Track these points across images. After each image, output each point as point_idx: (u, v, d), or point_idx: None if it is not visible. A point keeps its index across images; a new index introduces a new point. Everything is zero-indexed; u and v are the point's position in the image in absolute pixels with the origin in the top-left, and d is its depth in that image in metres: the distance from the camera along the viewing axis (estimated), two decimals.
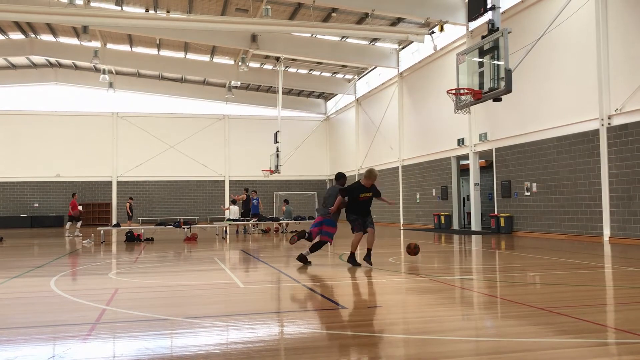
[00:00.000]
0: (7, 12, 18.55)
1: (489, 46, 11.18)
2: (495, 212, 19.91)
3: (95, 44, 28.55)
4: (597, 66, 15.33)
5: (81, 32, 22.61)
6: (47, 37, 29.48)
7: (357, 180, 10.47)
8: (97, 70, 33.47)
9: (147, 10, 23.88)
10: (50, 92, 35.29)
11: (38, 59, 32.37)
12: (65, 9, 18.71)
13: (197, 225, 20.58)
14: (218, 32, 24.59)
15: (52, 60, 32.95)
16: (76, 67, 34.32)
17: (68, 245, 17.30)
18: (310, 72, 33.65)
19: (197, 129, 37.03)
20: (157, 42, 28.73)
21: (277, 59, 29.86)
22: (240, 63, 27.98)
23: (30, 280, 8.96)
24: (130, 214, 29.03)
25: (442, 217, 23.00)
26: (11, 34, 28.80)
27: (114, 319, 5.74)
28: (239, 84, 35.02)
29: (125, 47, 30.35)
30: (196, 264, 11.25)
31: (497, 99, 11.30)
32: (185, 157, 36.62)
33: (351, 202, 10.06)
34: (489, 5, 11.36)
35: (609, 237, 14.94)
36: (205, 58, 31.60)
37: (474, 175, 21.49)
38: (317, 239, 10.70)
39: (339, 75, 34.12)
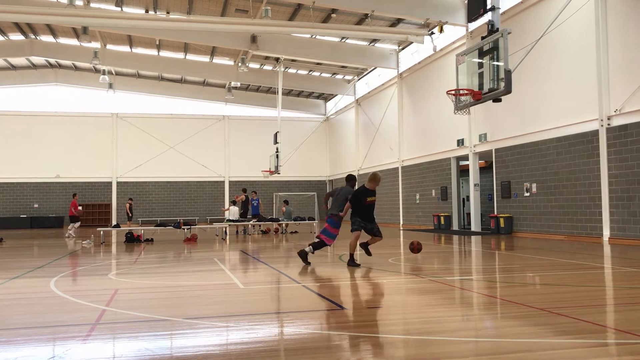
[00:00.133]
0: (7, 13, 18.54)
1: (489, 47, 11.19)
2: (495, 213, 19.91)
3: (95, 44, 28.57)
4: (596, 67, 15.34)
5: (81, 32, 22.63)
6: (47, 38, 29.49)
7: (362, 184, 10.59)
8: (97, 71, 33.51)
9: (146, 11, 23.89)
10: (50, 93, 35.29)
11: (38, 59, 32.38)
12: (65, 9, 18.72)
13: (196, 226, 20.59)
14: (218, 32, 24.61)
15: (52, 61, 32.96)
16: (76, 68, 34.33)
17: (68, 246, 17.28)
18: (310, 72, 33.67)
19: (196, 129, 37.04)
20: (157, 42, 28.75)
21: (277, 59, 29.88)
22: (240, 64, 27.99)
23: (30, 281, 8.96)
24: (130, 214, 29.06)
25: (442, 218, 23.00)
26: (11, 35, 28.81)
27: (113, 320, 5.74)
28: (238, 84, 35.04)
29: (125, 48, 30.37)
30: (196, 265, 11.25)
31: (497, 100, 11.31)
32: (185, 158, 36.63)
33: (357, 206, 10.15)
34: (488, 6, 11.36)
35: (609, 238, 14.95)
36: (205, 59, 31.61)
37: (473, 176, 21.50)
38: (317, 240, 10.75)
39: (339, 76, 34.14)
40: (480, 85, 11.41)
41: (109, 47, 30.07)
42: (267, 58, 30.47)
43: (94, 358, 4.37)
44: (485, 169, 23.33)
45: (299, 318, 5.86)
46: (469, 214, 22.61)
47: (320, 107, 39.69)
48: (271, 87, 34.71)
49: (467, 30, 21.37)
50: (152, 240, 18.65)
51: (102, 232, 18.40)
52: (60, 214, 34.10)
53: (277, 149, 29.40)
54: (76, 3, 19.58)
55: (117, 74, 34.29)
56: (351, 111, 34.69)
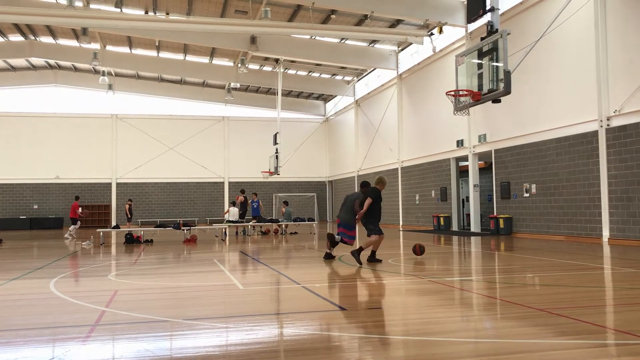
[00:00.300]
0: (7, 14, 18.56)
1: (488, 48, 11.20)
2: (495, 214, 19.91)
3: (95, 45, 28.57)
4: (596, 67, 15.35)
5: (80, 34, 22.64)
6: (47, 39, 29.49)
7: (372, 186, 11.11)
8: (96, 72, 33.52)
9: (146, 12, 23.89)
10: (50, 94, 35.29)
11: (37, 60, 32.38)
12: (65, 10, 18.73)
13: (196, 227, 20.58)
14: (217, 33, 24.62)
15: (52, 62, 32.96)
16: (75, 69, 34.33)
17: (67, 247, 17.28)
18: (310, 73, 33.68)
19: (196, 130, 37.05)
20: (157, 44, 28.76)
21: (277, 60, 29.88)
22: (239, 65, 28.01)
23: (30, 282, 8.96)
24: (130, 215, 29.06)
25: (442, 219, 23.00)
26: (11, 36, 28.80)
27: (113, 321, 5.74)
28: (238, 85, 35.05)
29: (125, 49, 30.37)
30: (196, 266, 11.25)
31: (496, 101, 11.32)
32: (184, 159, 36.63)
33: (376, 206, 10.72)
34: (488, 7, 11.38)
35: (608, 239, 14.95)
36: (205, 60, 31.62)
37: (473, 177, 21.50)
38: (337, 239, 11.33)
39: (338, 77, 34.15)
40: (480, 86, 11.42)
41: (109, 48, 30.07)
42: (266, 59, 30.48)
43: (94, 359, 4.37)
44: (485, 170, 23.34)
45: (298, 319, 5.86)
46: (468, 215, 22.61)
47: (319, 108, 39.71)
48: (271, 88, 34.72)
49: (466, 31, 21.39)
50: (151, 241, 18.65)
51: (101, 233, 18.39)
52: (60, 215, 34.10)
53: (276, 149, 29.40)
54: (76, 4, 19.58)
55: (117, 75, 34.30)
56: (351, 112, 34.71)
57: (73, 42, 29.41)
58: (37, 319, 5.98)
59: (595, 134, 15.40)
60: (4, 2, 18.88)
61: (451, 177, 23.12)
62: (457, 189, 23.19)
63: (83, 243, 18.14)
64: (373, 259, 10.75)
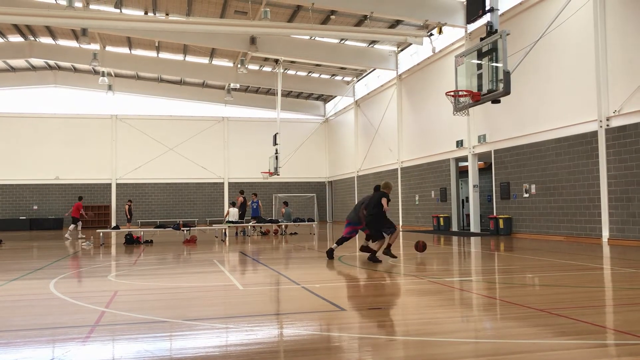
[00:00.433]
0: (6, 15, 18.56)
1: (488, 48, 11.20)
2: (494, 214, 19.92)
3: (95, 46, 28.57)
4: (595, 68, 15.36)
5: (80, 34, 22.63)
6: (46, 40, 29.49)
7: (382, 191, 11.60)
8: (96, 72, 33.52)
9: (146, 13, 23.89)
10: (50, 95, 35.27)
11: (37, 61, 32.38)
12: (64, 11, 18.73)
13: (196, 228, 20.58)
14: (217, 34, 24.62)
15: (51, 62, 32.95)
16: (75, 70, 34.33)
17: (67, 247, 17.28)
18: (309, 74, 33.68)
19: (196, 131, 37.04)
20: (156, 44, 28.76)
21: (276, 61, 29.89)
22: (239, 65, 28.00)
23: (30, 282, 8.96)
24: (129, 216, 29.06)
25: (441, 219, 23.00)
26: (10, 37, 28.80)
27: (113, 322, 5.74)
28: (238, 86, 35.05)
29: (125, 50, 30.38)
30: (195, 266, 11.25)
31: (496, 101, 11.33)
32: (184, 160, 36.62)
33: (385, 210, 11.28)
34: (487, 7, 11.38)
35: (608, 239, 14.96)
36: (205, 60, 31.62)
37: (472, 177, 21.51)
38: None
39: (338, 78, 34.16)
40: (479, 87, 11.43)
41: (108, 48, 30.07)
42: (266, 59, 30.49)
43: None
44: (485, 170, 23.35)
45: (298, 319, 5.87)
46: (468, 215, 22.62)
47: (319, 109, 39.71)
48: (270, 89, 34.71)
49: (466, 31, 21.40)
50: (151, 241, 18.65)
51: (101, 234, 18.39)
52: (60, 215, 34.08)
53: (276, 150, 29.40)
54: (75, 5, 19.58)
55: (117, 75, 34.29)
56: (350, 112, 34.71)
57: (73, 43, 29.41)
58: (37, 319, 5.98)
59: (594, 134, 15.41)
60: (4, 2, 18.88)
61: (451, 178, 23.12)
62: (457, 190, 23.20)
63: (83, 244, 18.13)
64: (375, 258, 10.90)
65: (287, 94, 36.43)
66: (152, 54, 30.70)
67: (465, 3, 18.92)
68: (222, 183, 37.65)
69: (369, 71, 31.55)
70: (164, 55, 30.90)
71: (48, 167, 34.72)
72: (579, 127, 16.02)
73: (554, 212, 17.05)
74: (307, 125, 39.27)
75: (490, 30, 11.20)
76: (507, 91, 10.63)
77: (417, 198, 26.04)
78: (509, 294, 7.16)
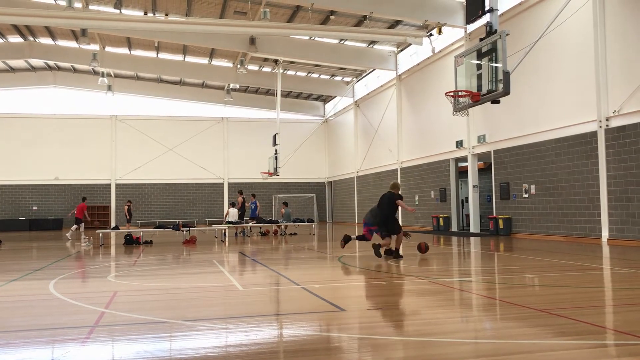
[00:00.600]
0: (6, 15, 18.56)
1: (487, 48, 11.20)
2: (494, 214, 19.92)
3: (94, 46, 28.56)
4: (595, 68, 15.36)
5: (80, 35, 22.62)
6: (46, 40, 29.48)
7: (390, 191, 12.02)
8: (95, 73, 33.52)
9: (145, 13, 23.89)
10: (49, 95, 35.26)
11: (37, 62, 32.37)
12: (64, 12, 18.73)
13: (195, 228, 20.56)
14: (216, 34, 24.61)
15: (51, 63, 32.94)
16: (75, 70, 34.32)
17: (67, 248, 17.27)
18: (309, 74, 33.69)
19: (195, 131, 37.04)
20: (156, 44, 28.75)
21: (276, 61, 29.90)
22: (238, 66, 28.01)
23: (29, 283, 8.95)
24: (129, 216, 29.05)
25: (441, 219, 23.00)
26: (10, 37, 28.79)
27: (112, 322, 5.73)
28: (237, 86, 35.04)
29: (124, 50, 30.37)
30: (195, 267, 11.24)
31: (496, 101, 11.33)
32: (184, 160, 36.62)
33: (394, 210, 11.79)
34: (487, 8, 11.38)
35: (608, 239, 14.96)
36: (204, 61, 31.62)
37: (472, 177, 21.51)
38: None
39: (338, 78, 34.16)
40: (479, 87, 11.42)
41: (108, 49, 30.06)
42: (265, 60, 30.49)
43: None
44: (484, 171, 23.35)
45: (298, 320, 5.86)
46: (468, 216, 22.62)
47: (319, 109, 39.71)
48: (270, 89, 34.72)
49: (465, 31, 21.40)
50: (151, 242, 18.64)
51: (101, 234, 18.38)
52: (59, 216, 34.06)
53: (276, 150, 29.39)
54: (75, 5, 19.58)
55: (116, 76, 34.28)
56: (350, 113, 34.71)
57: (72, 43, 29.40)
58: (37, 320, 5.97)
59: (594, 134, 15.41)
60: (3, 3, 18.88)
61: (450, 178, 23.12)
62: (457, 190, 23.20)
63: (83, 244, 18.12)
64: (398, 254, 11.58)
65: (286, 95, 36.43)
66: (152, 54, 30.70)
67: (464, 3, 18.91)
68: (222, 183, 37.64)
69: (368, 71, 31.55)
70: (163, 55, 30.89)
71: (47, 168, 34.71)
72: (578, 128, 16.02)
73: (553, 213, 17.05)
74: (306, 125, 39.26)
75: (489, 30, 11.20)
76: (506, 91, 10.62)
77: (416, 198, 26.04)
78: (509, 294, 7.16)
